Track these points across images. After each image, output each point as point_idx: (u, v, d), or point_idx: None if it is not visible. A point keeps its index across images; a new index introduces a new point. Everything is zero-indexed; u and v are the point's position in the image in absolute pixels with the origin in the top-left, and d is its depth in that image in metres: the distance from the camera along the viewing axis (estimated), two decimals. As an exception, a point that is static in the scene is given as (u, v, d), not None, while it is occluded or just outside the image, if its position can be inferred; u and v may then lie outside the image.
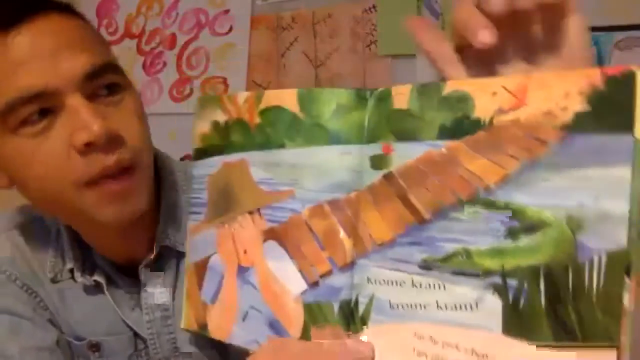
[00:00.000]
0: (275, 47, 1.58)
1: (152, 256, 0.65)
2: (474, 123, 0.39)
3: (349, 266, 0.44)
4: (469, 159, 0.39)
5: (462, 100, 0.40)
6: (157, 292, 0.67)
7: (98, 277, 0.67)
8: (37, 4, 0.57)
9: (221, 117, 0.53)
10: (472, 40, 0.40)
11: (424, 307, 0.41)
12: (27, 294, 0.67)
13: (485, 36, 0.39)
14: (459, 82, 0.41)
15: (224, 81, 1.66)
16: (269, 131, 0.49)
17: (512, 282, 0.37)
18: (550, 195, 0.36)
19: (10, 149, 0.57)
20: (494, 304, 0.38)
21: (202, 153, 0.55)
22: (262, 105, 0.49)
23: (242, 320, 0.50)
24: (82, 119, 0.54)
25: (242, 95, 0.51)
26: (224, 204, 0.52)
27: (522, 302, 0.37)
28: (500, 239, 0.38)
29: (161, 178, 0.68)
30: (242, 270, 0.50)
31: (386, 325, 0.43)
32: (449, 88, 0.41)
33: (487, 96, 0.39)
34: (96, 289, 0.67)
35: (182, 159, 0.90)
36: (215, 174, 0.53)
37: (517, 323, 0.37)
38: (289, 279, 0.47)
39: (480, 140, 0.39)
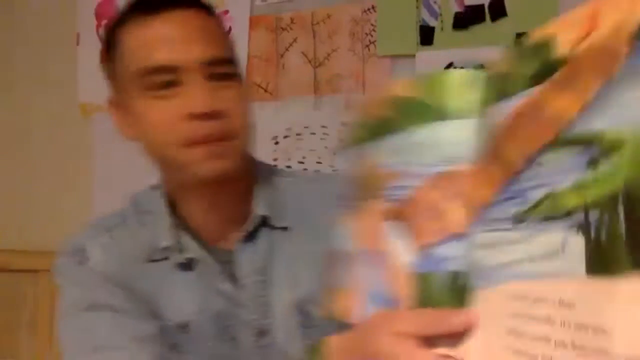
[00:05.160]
0: (275, 47, 1.58)
1: (248, 224, 0.76)
2: (557, 62, 0.39)
3: (461, 236, 0.45)
4: (552, 98, 0.39)
5: (545, 43, 0.40)
6: (251, 258, 0.76)
7: (189, 254, 0.75)
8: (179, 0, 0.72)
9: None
10: None
11: (516, 264, 0.41)
12: (122, 290, 0.74)
13: None
14: (542, 29, 0.41)
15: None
16: (395, 118, 0.51)
17: (594, 216, 0.36)
18: (625, 111, 0.34)
19: (139, 105, 0.71)
20: (577, 244, 0.37)
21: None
22: (390, 98, 0.52)
23: (365, 301, 0.53)
24: (195, 94, 0.69)
25: (377, 99, 0.55)
26: (358, 194, 0.56)
27: (603, 235, 0.35)
28: (582, 170, 0.37)
29: (257, 163, 0.82)
30: (366, 254, 0.54)
31: (484, 290, 0.44)
32: (534, 37, 0.41)
33: (567, 30, 0.39)
34: (187, 267, 0.75)
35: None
36: (354, 168, 0.58)
37: (599, 260, 0.35)
38: (403, 253, 0.49)
39: (562, 76, 0.39)
